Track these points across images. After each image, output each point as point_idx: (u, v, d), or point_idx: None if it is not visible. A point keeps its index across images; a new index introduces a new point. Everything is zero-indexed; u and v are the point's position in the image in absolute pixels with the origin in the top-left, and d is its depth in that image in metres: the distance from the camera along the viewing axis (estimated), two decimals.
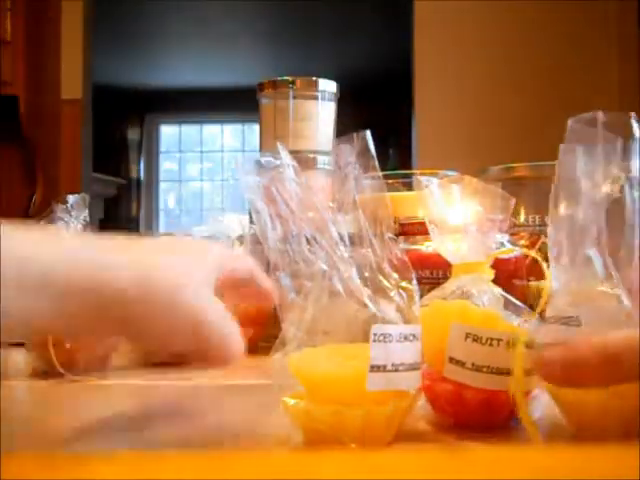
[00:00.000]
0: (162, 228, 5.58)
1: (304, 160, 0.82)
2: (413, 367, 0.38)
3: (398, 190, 0.78)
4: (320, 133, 0.84)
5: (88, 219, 0.66)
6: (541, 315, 0.41)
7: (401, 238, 0.65)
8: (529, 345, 0.39)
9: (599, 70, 2.92)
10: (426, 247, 0.63)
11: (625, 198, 0.38)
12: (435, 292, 0.45)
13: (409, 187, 0.79)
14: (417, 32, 3.00)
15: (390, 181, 0.79)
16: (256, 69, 4.02)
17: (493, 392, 0.40)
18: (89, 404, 0.51)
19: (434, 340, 0.41)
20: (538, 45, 2.92)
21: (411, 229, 0.65)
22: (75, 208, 0.64)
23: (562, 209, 0.40)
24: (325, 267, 0.40)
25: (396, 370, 0.37)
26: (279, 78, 0.85)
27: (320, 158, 0.82)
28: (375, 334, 0.37)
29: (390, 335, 0.37)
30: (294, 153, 0.82)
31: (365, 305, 0.39)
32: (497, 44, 2.93)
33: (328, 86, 0.85)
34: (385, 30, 3.82)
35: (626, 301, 0.38)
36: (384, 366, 0.37)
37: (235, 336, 0.41)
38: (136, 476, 0.35)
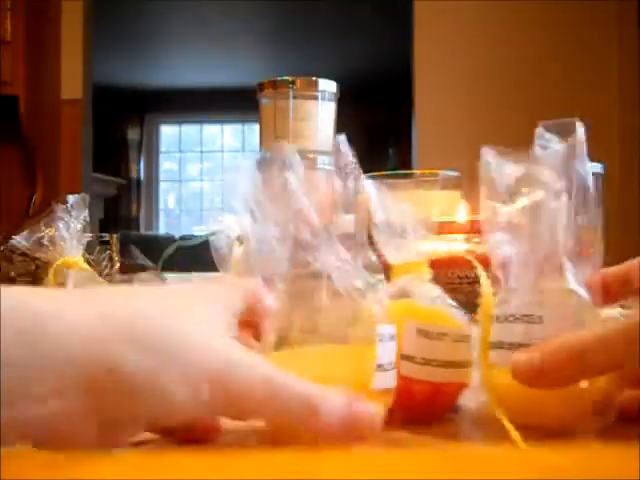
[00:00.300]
0: (162, 228, 5.58)
1: (304, 160, 0.82)
2: (394, 366, 0.40)
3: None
4: (320, 133, 0.84)
5: (88, 219, 0.66)
6: (473, 315, 0.44)
7: None
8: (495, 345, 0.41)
9: (599, 70, 2.93)
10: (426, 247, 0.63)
11: (543, 204, 0.41)
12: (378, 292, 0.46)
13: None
14: (417, 32, 3.00)
15: (390, 181, 0.79)
16: (256, 69, 4.02)
17: (440, 385, 0.43)
18: None
19: None
20: (538, 45, 2.93)
21: None
22: (75, 208, 0.64)
23: (496, 211, 0.42)
24: (321, 268, 0.40)
25: (389, 369, 0.39)
26: (279, 78, 0.85)
27: (320, 158, 0.82)
28: (379, 334, 0.38)
29: (385, 335, 0.39)
30: None
31: (362, 305, 0.40)
32: (497, 44, 2.94)
33: (328, 86, 0.85)
34: (385, 30, 3.82)
35: (584, 294, 0.40)
36: (383, 365, 0.38)
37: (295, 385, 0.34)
38: (136, 476, 0.35)
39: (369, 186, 0.47)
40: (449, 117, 2.93)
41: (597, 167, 0.74)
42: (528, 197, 0.41)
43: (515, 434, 0.38)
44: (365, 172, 0.49)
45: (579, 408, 0.40)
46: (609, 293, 0.43)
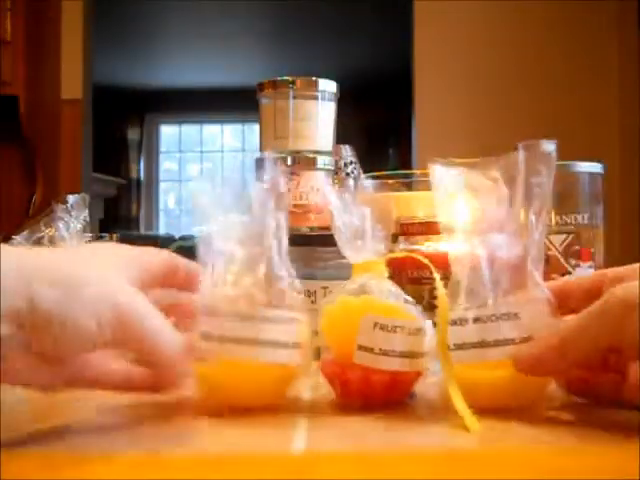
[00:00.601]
0: (162, 228, 5.58)
1: (304, 160, 0.82)
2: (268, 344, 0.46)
3: (398, 190, 0.78)
4: (320, 133, 0.84)
5: (88, 219, 0.66)
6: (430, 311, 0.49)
7: (401, 238, 0.65)
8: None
9: (599, 70, 2.92)
10: (426, 247, 0.63)
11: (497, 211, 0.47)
12: (339, 289, 0.50)
13: (409, 187, 0.79)
14: (417, 32, 3.00)
15: (390, 181, 0.79)
16: (256, 69, 4.02)
17: (396, 374, 0.47)
18: (89, 404, 0.51)
19: (343, 332, 0.48)
20: (538, 45, 2.93)
21: (411, 229, 0.65)
22: (75, 208, 0.64)
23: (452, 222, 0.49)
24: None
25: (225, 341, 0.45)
26: (279, 78, 0.85)
27: (320, 158, 0.82)
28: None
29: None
30: (294, 153, 0.83)
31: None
32: (497, 44, 2.94)
33: (328, 86, 0.85)
34: (385, 30, 3.82)
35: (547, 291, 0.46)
36: (211, 336, 0.45)
37: (169, 332, 0.41)
38: (136, 476, 0.36)
39: (329, 191, 0.51)
40: (449, 117, 2.93)
41: (597, 167, 0.74)
42: (481, 204, 0.48)
43: (471, 418, 0.42)
44: (365, 172, 0.50)
45: (540, 390, 0.47)
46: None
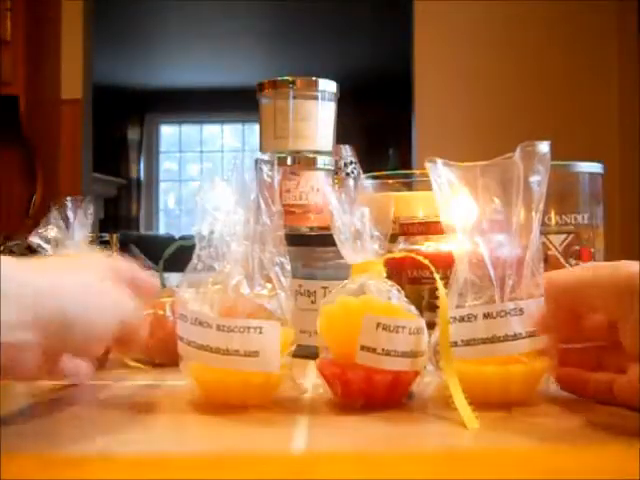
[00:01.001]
0: (162, 228, 5.58)
1: (304, 160, 0.82)
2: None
3: (398, 190, 0.78)
4: (320, 133, 0.84)
5: (91, 219, 0.66)
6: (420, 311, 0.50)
7: (401, 238, 0.65)
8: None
9: (599, 70, 2.92)
10: (426, 247, 0.63)
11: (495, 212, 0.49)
12: (338, 289, 0.51)
13: (409, 187, 0.79)
14: (417, 32, 3.00)
15: (390, 181, 0.79)
16: (256, 69, 4.02)
17: (398, 374, 0.47)
18: (89, 404, 0.51)
19: (343, 332, 0.48)
20: (538, 45, 2.92)
21: (411, 229, 0.65)
22: (76, 208, 0.64)
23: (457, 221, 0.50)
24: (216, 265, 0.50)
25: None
26: (279, 78, 0.85)
27: (320, 158, 0.82)
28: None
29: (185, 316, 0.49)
30: (294, 153, 0.83)
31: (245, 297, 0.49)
32: (497, 44, 2.93)
33: (328, 86, 0.85)
34: (385, 30, 3.82)
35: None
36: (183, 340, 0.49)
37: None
38: (135, 476, 0.36)
39: (329, 191, 0.51)
40: (449, 117, 2.93)
41: (597, 167, 0.74)
42: (480, 205, 0.49)
43: (470, 415, 0.43)
44: (365, 172, 0.50)
45: (535, 384, 0.48)
46: None
